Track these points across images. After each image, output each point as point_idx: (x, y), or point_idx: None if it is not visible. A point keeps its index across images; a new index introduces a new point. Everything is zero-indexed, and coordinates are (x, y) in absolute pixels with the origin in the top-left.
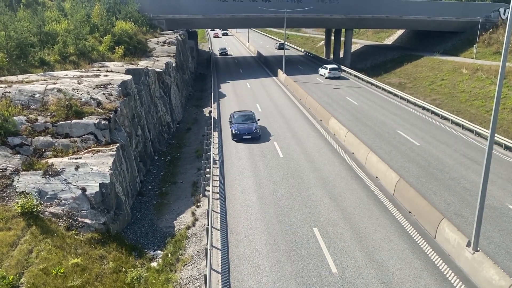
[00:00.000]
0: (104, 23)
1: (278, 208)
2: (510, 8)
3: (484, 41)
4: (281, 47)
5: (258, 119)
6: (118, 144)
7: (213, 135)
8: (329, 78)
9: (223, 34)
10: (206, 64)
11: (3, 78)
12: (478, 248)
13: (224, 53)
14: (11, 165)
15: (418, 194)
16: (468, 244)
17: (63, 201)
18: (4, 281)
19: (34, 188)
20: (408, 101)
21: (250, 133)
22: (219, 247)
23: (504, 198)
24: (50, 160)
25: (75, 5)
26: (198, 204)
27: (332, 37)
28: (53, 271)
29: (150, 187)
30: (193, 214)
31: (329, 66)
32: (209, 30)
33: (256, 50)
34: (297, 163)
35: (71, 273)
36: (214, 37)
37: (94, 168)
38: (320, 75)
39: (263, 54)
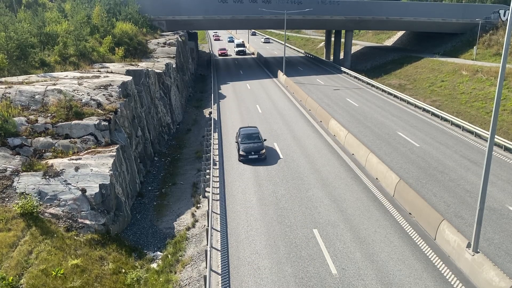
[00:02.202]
0: (104, 24)
1: (278, 209)
2: (510, 9)
3: (484, 42)
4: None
5: (265, 139)
6: (118, 145)
7: (213, 136)
8: (237, 54)
9: (238, 53)
10: (206, 65)
11: (3, 79)
12: (478, 250)
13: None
14: (11, 166)
15: (418, 195)
16: (468, 246)
17: (63, 202)
18: (4, 282)
19: (34, 189)
20: (408, 102)
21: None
22: (219, 248)
23: (504, 199)
24: (50, 161)
25: (76, 6)
26: (198, 205)
27: (332, 39)
28: (53, 272)
29: (150, 188)
30: (193, 215)
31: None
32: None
33: (256, 51)
34: (297, 164)
35: (71, 274)
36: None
37: (94, 169)
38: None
39: (263, 55)
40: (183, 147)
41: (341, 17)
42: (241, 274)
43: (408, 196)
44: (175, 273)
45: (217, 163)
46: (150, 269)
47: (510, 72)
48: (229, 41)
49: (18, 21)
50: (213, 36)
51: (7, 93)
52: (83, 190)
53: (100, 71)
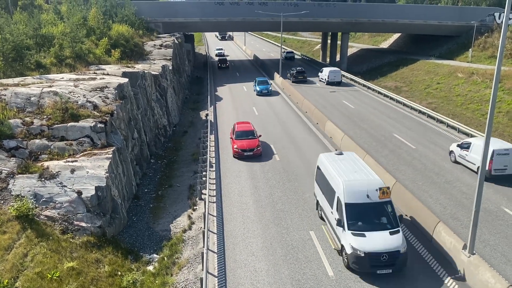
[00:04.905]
0: (100, 26)
1: (274, 211)
2: (505, 12)
3: (479, 45)
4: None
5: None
6: (114, 147)
7: (210, 138)
8: None
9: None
10: (202, 67)
11: None
12: (474, 251)
13: None
14: (6, 168)
15: (414, 197)
16: (464, 247)
17: (58, 205)
18: None
19: (29, 191)
20: (404, 104)
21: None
22: (216, 251)
23: (499, 201)
24: (46, 163)
25: (72, 8)
26: (195, 207)
27: (329, 41)
28: (49, 275)
29: (146, 190)
30: (189, 217)
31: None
32: (213, 56)
33: (253, 53)
34: (293, 167)
35: (67, 277)
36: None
37: (90, 171)
38: None
39: (260, 58)
40: (179, 149)
41: (337, 20)
42: (238, 276)
43: (404, 197)
44: (172, 275)
45: (214, 165)
46: (146, 272)
47: (505, 74)
48: (260, 93)
49: (13, 23)
50: (216, 54)
51: (2, 95)
52: (79, 193)
53: (96, 73)
